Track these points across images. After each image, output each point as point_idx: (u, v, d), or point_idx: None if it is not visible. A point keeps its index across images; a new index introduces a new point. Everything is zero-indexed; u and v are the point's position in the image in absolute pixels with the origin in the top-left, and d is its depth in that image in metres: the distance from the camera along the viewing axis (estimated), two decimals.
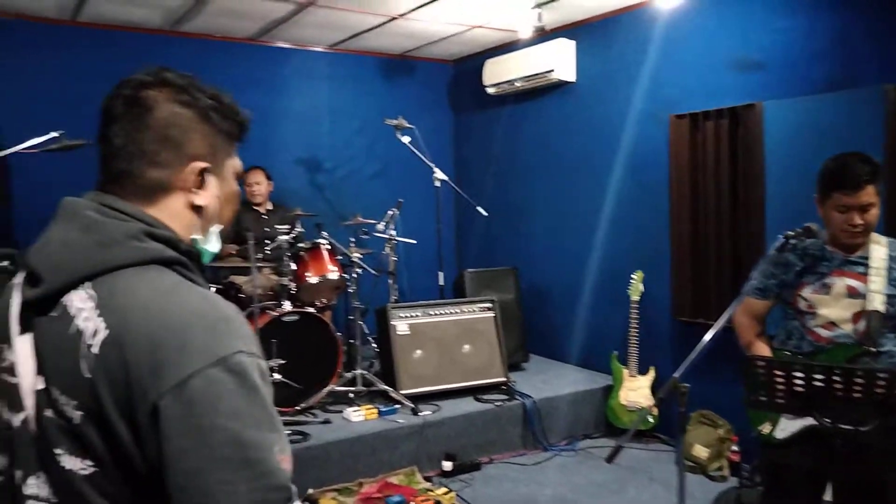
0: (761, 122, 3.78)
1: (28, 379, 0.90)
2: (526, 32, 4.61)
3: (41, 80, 4.79)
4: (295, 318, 4.14)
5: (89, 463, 0.86)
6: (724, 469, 3.91)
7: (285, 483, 0.85)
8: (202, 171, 1.00)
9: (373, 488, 3.61)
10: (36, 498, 0.90)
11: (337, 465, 3.66)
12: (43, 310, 0.91)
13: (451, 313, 4.51)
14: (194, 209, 1.01)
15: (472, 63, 6.04)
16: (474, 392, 4.37)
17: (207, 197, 1.02)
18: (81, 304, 0.88)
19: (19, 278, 0.98)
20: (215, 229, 1.06)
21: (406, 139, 4.81)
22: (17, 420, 0.92)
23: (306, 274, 4.34)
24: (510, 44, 5.61)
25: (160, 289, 0.89)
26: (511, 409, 4.27)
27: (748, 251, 3.87)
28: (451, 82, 6.44)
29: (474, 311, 4.59)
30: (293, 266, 4.33)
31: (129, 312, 0.86)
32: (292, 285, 4.29)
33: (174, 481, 0.81)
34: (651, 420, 4.33)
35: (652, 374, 4.39)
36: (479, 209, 4.98)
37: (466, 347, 4.46)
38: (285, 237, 4.30)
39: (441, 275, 4.96)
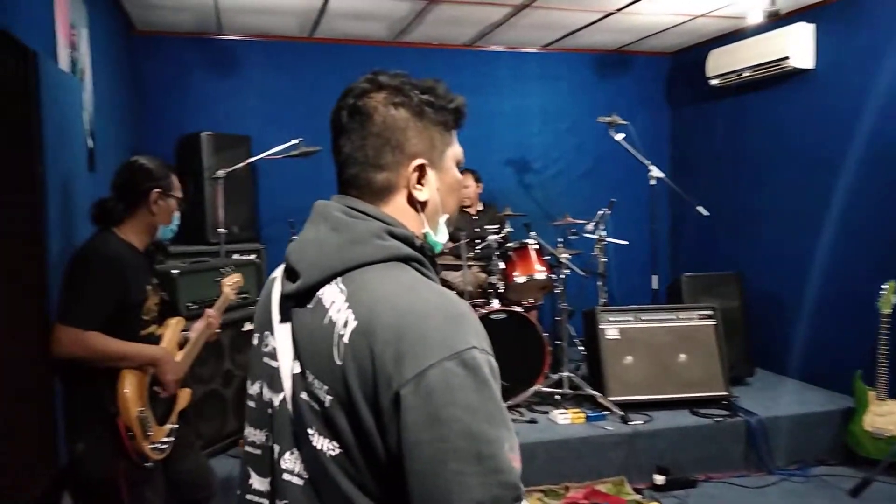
0: None
1: (287, 363, 1.00)
2: (756, 18, 4.25)
3: (283, 92, 5.33)
4: (502, 316, 4.18)
5: (336, 444, 0.92)
6: None
7: (515, 481, 0.86)
8: (421, 168, 1.04)
9: (579, 493, 3.54)
10: (290, 472, 0.99)
11: (542, 467, 3.63)
12: (300, 302, 1.00)
13: (665, 319, 4.27)
14: (419, 204, 1.05)
15: (692, 54, 5.69)
16: (690, 405, 4.10)
17: (429, 191, 1.05)
18: (334, 298, 0.96)
19: (278, 272, 1.09)
20: (442, 220, 1.09)
21: (619, 136, 4.64)
22: (277, 400, 1.02)
23: (514, 273, 4.36)
24: (736, 32, 5.20)
25: (402, 284, 0.95)
26: (732, 426, 3.95)
27: None
28: (669, 76, 6.13)
29: (692, 318, 4.31)
30: (501, 265, 4.38)
31: (376, 305, 0.91)
32: (500, 284, 4.34)
33: (411, 468, 0.84)
34: None
35: None
36: (700, 209, 4.66)
37: (682, 357, 4.20)
38: (494, 237, 4.37)
39: (655, 278, 4.72)
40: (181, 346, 2.50)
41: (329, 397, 0.92)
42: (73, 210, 2.45)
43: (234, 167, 4.20)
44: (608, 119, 4.66)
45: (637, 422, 3.86)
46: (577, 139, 5.89)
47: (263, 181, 5.25)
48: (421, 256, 1.01)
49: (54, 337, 2.07)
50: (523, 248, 4.44)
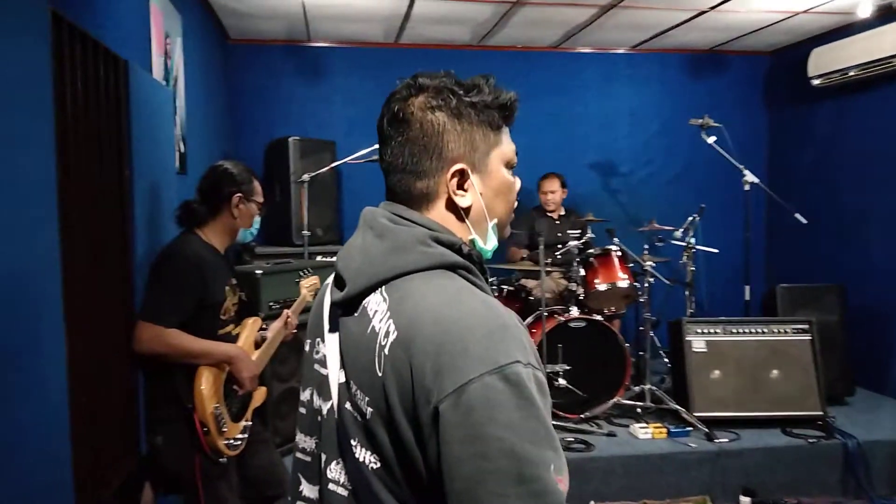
0: None
1: (335, 372, 0.99)
2: (865, 13, 3.97)
3: (368, 97, 5.41)
4: (582, 324, 4.07)
5: (377, 458, 0.90)
6: None
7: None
8: (461, 172, 1.00)
9: None
10: (335, 482, 0.97)
11: (620, 481, 3.52)
12: (347, 310, 0.99)
13: (757, 332, 4.04)
14: (461, 211, 1.01)
15: (793, 53, 5.38)
16: (782, 424, 3.86)
17: (472, 196, 1.01)
18: (377, 307, 0.94)
19: (331, 279, 1.08)
20: (490, 225, 1.04)
21: (711, 139, 4.44)
22: (325, 408, 1.01)
23: (595, 280, 4.24)
24: (841, 28, 4.88)
25: (445, 294, 0.91)
26: (828, 449, 3.69)
27: None
28: (766, 76, 5.83)
29: (786, 331, 4.05)
30: (582, 272, 4.28)
31: (417, 316, 0.88)
32: (580, 291, 4.23)
33: (451, 487, 0.81)
34: None
35: None
36: (798, 216, 4.38)
37: (775, 373, 3.96)
38: (575, 242, 4.27)
39: (747, 289, 4.48)
40: (258, 344, 2.56)
41: (370, 409, 0.90)
42: (161, 212, 2.57)
43: (318, 171, 4.30)
44: (700, 121, 4.46)
45: (723, 439, 3.68)
46: (667, 142, 5.69)
47: (347, 185, 5.35)
48: (468, 263, 0.97)
49: (136, 333, 2.17)
50: (606, 255, 4.31)
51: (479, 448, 0.79)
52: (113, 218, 2.13)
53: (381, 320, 0.92)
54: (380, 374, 0.88)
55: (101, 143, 2.02)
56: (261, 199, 2.54)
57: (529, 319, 4.24)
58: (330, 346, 1.01)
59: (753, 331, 4.05)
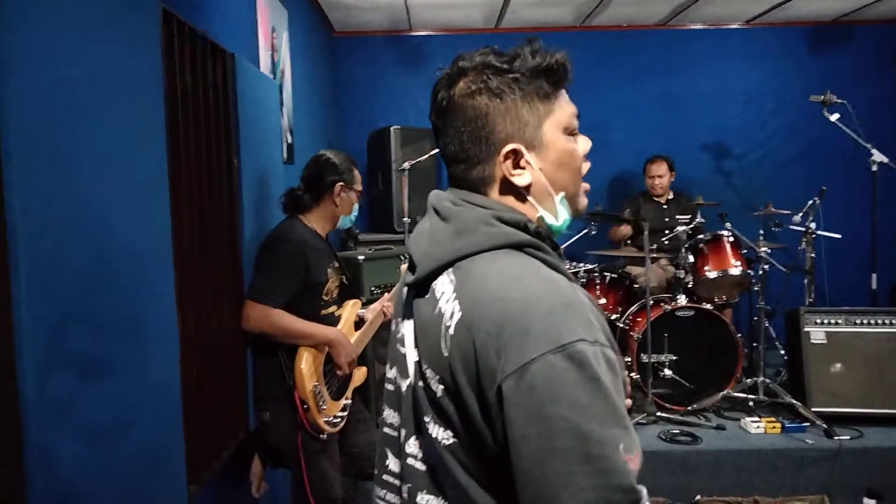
0: None
1: (410, 350, 1.01)
2: None
3: None
4: (690, 313, 3.91)
5: (450, 434, 0.91)
6: None
7: (630, 484, 0.79)
8: (514, 153, 0.98)
9: None
10: (414, 457, 0.99)
11: (728, 476, 3.36)
12: (419, 292, 1.01)
13: (885, 324, 3.73)
14: (522, 190, 0.99)
15: None
16: None
17: (530, 174, 0.99)
18: (444, 288, 0.95)
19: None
20: (558, 199, 1.01)
21: (834, 117, 4.13)
22: (404, 385, 1.03)
23: (705, 268, 4.06)
24: None
25: (507, 273, 0.90)
26: None
27: None
28: None
29: None
30: (691, 259, 4.10)
31: (479, 296, 0.89)
32: (689, 279, 4.07)
33: (517, 465, 0.81)
34: None
35: None
36: None
37: None
38: (684, 228, 4.10)
39: (875, 277, 4.15)
40: (357, 326, 2.64)
41: (440, 387, 0.91)
42: (268, 199, 2.69)
43: (419, 159, 4.35)
44: (821, 98, 4.16)
45: (844, 437, 3.44)
46: (785, 121, 5.36)
47: (445, 172, 5.37)
48: (536, 241, 0.95)
49: (244, 312, 2.29)
50: (717, 241, 4.12)
51: (543, 427, 0.79)
52: (222, 204, 2.25)
53: (447, 301, 0.92)
54: (446, 354, 0.90)
55: (210, 134, 2.14)
56: (360, 188, 2.61)
57: (634, 308, 4.13)
58: (406, 327, 1.04)
59: (880, 322, 3.74)
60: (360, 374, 2.64)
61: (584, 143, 1.04)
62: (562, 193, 1.01)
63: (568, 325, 0.83)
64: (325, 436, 2.39)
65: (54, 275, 1.25)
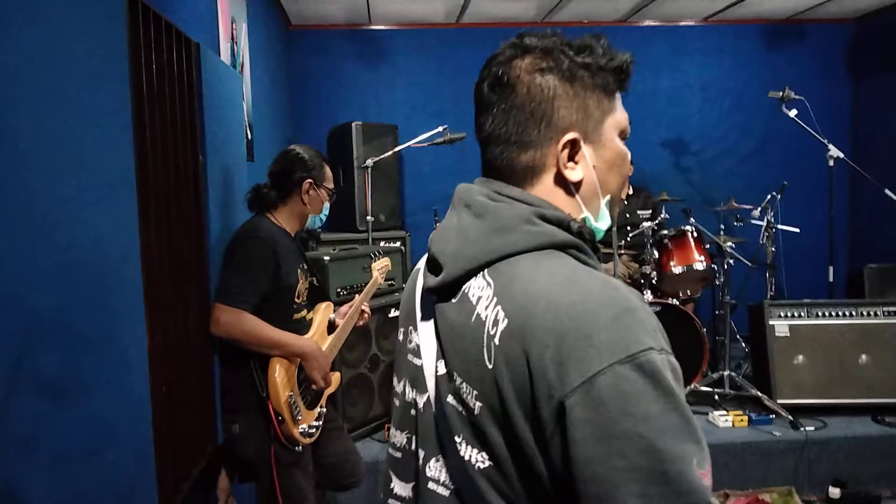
0: None
1: (430, 362, 0.91)
2: None
3: (429, 79, 5.34)
4: (656, 309, 3.92)
5: (486, 456, 0.82)
6: None
7: (708, 501, 0.72)
8: (573, 143, 0.89)
9: (741, 502, 3.25)
10: (436, 481, 0.90)
11: None
12: (444, 296, 0.91)
13: (844, 316, 3.81)
14: (572, 186, 0.91)
15: (881, 20, 5.05)
16: (873, 411, 3.66)
17: (584, 169, 0.90)
18: (480, 292, 0.85)
19: (422, 263, 1.00)
20: (604, 202, 0.94)
21: (792, 113, 4.20)
22: (421, 401, 0.93)
23: (670, 263, 4.08)
24: None
25: (559, 275, 0.81)
26: None
27: None
28: (850, 44, 5.49)
29: (877, 314, 3.82)
30: (656, 254, 4.12)
31: (529, 301, 0.79)
32: (654, 275, 4.08)
33: (584, 490, 0.73)
34: None
35: None
36: (889, 192, 4.11)
37: (864, 358, 3.74)
38: (648, 223, 4.10)
39: (831, 270, 4.25)
40: (330, 330, 2.53)
41: (479, 404, 0.82)
42: (234, 197, 2.55)
43: (381, 156, 4.25)
44: (780, 94, 4.22)
45: (809, 428, 3.50)
46: (743, 117, 5.45)
47: (409, 169, 5.30)
48: (579, 242, 0.87)
49: (214, 316, 2.16)
50: (681, 236, 4.14)
51: (614, 446, 0.71)
52: (188, 203, 2.12)
53: (486, 307, 0.83)
54: (490, 367, 0.80)
55: (176, 129, 2.00)
56: (331, 186, 2.50)
57: None
58: (424, 335, 0.93)
59: (841, 314, 3.82)
60: (334, 381, 2.54)
61: (629, 154, 0.98)
62: (608, 196, 0.94)
63: (635, 332, 0.75)
64: (300, 447, 2.28)
65: (18, 287, 1.12)
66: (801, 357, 3.78)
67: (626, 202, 4.76)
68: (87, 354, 1.34)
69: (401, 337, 1.03)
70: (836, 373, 3.74)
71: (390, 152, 4.36)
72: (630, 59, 0.92)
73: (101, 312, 1.42)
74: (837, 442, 3.46)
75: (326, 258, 3.41)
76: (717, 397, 3.82)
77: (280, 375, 2.18)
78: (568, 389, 0.73)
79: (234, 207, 2.55)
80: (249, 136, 3.50)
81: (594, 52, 0.90)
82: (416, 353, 0.95)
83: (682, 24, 5.45)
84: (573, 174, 0.90)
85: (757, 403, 3.74)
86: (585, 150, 0.90)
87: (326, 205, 2.51)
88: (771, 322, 3.83)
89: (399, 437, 0.99)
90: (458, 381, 0.85)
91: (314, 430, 2.34)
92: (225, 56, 2.98)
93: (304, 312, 2.44)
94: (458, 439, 0.85)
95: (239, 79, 2.94)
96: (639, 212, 4.44)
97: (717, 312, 4.35)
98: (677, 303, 3.97)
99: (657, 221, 4.18)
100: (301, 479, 2.32)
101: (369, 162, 4.14)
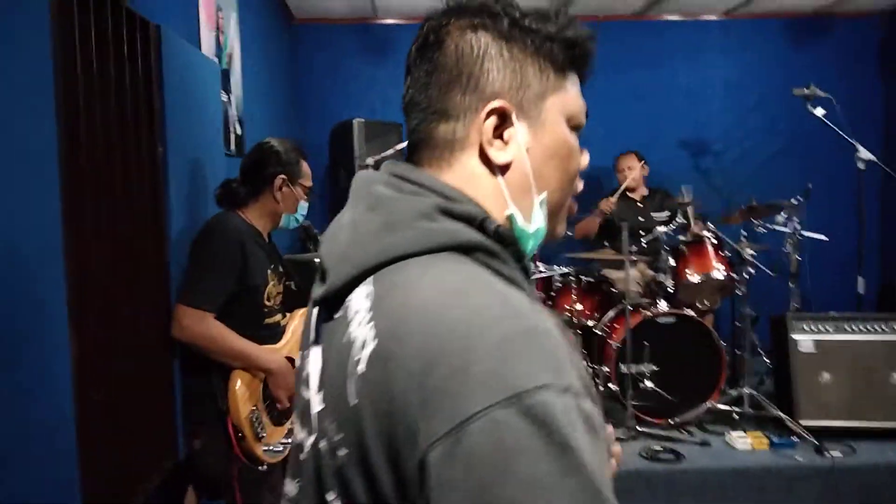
0: None
1: (315, 396, 0.70)
2: None
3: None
4: (671, 320, 3.67)
5: None
6: None
7: None
8: (501, 113, 0.70)
9: None
10: None
11: (714, 497, 3.12)
12: (331, 310, 0.71)
13: (875, 331, 3.53)
14: (497, 169, 0.71)
15: None
16: None
17: (514, 150, 0.71)
18: (358, 305, 0.65)
19: None
20: (538, 200, 0.73)
21: (819, 111, 3.93)
22: (307, 443, 0.72)
23: (686, 271, 3.83)
24: None
25: (447, 286, 0.62)
26: None
27: None
28: (882, 40, 5.21)
29: None
30: (672, 262, 3.86)
31: (403, 317, 0.60)
32: (670, 283, 3.82)
33: None
34: None
35: None
36: None
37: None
38: (664, 228, 3.85)
39: (861, 281, 3.96)
40: None
41: (344, 450, 0.62)
42: (204, 193, 2.37)
43: (383, 154, 4.06)
44: (805, 92, 3.96)
45: (836, 453, 3.21)
46: (766, 116, 5.19)
47: None
48: (491, 245, 0.67)
49: (176, 318, 1.98)
50: (699, 243, 3.88)
51: None
52: (143, 198, 1.93)
53: (359, 324, 0.64)
54: (352, 403, 0.60)
55: (126, 116, 1.82)
56: (309, 184, 2.30)
57: (611, 314, 3.87)
58: (313, 362, 0.73)
59: (871, 328, 3.54)
60: None
61: (583, 158, 0.78)
62: (544, 194, 0.74)
63: (527, 362, 0.55)
64: (264, 466, 2.08)
65: None
66: (826, 375, 3.50)
67: (640, 204, 4.50)
68: None
69: (298, 362, 0.82)
70: (866, 393, 3.45)
71: (393, 150, 4.17)
72: (587, 35, 0.74)
73: (18, 315, 1.25)
74: (867, 469, 3.18)
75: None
76: (735, 416, 3.56)
77: (241, 389, 1.99)
78: (432, 438, 0.53)
79: (205, 203, 2.36)
80: (239, 131, 3.33)
81: (546, 18, 0.72)
82: (307, 383, 0.74)
83: (702, 18, 5.22)
84: (499, 155, 0.71)
85: (778, 425, 3.47)
86: (518, 127, 0.71)
87: (303, 204, 2.31)
88: (794, 336, 3.55)
89: (290, 487, 0.77)
90: (328, 421, 0.65)
91: (282, 448, 2.14)
92: (207, 44, 2.81)
93: (277, 317, 2.24)
94: (330, 498, 0.64)
95: (217, 68, 2.76)
96: (654, 214, 4.19)
97: (736, 325, 4.08)
98: (694, 314, 3.71)
99: (674, 226, 3.92)
100: (269, 499, 2.13)
101: (371, 160, 3.95)
